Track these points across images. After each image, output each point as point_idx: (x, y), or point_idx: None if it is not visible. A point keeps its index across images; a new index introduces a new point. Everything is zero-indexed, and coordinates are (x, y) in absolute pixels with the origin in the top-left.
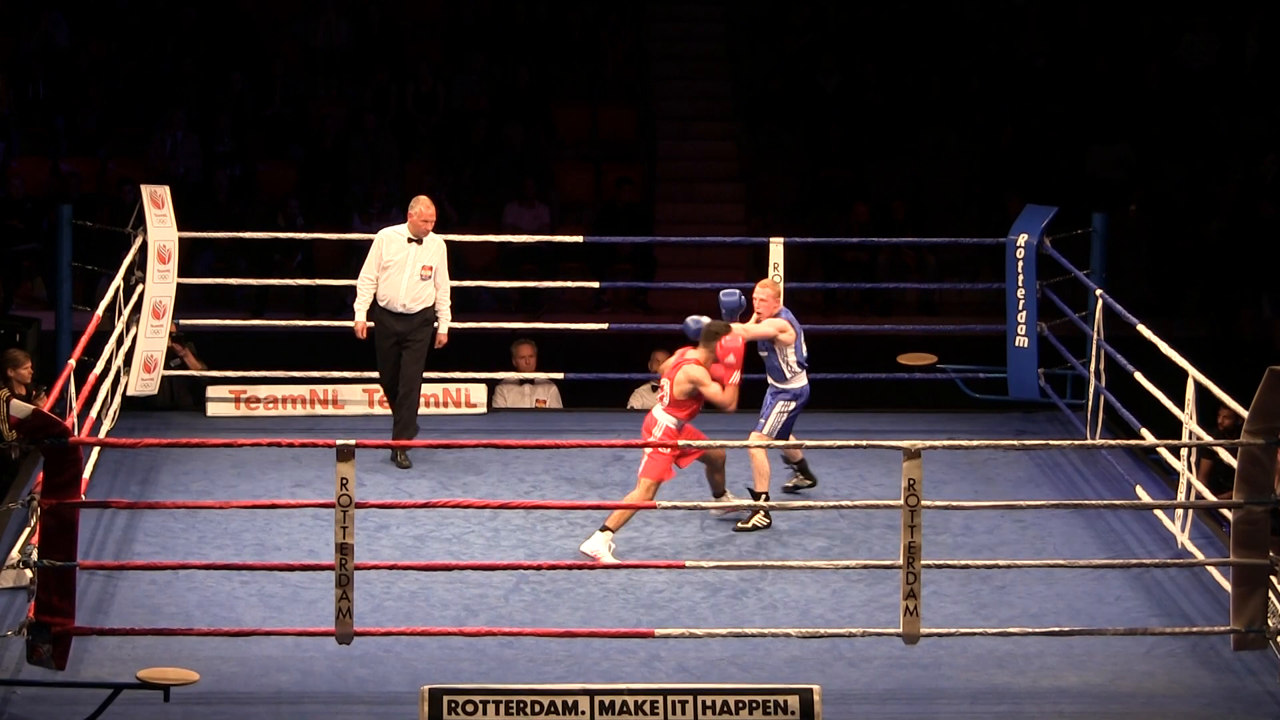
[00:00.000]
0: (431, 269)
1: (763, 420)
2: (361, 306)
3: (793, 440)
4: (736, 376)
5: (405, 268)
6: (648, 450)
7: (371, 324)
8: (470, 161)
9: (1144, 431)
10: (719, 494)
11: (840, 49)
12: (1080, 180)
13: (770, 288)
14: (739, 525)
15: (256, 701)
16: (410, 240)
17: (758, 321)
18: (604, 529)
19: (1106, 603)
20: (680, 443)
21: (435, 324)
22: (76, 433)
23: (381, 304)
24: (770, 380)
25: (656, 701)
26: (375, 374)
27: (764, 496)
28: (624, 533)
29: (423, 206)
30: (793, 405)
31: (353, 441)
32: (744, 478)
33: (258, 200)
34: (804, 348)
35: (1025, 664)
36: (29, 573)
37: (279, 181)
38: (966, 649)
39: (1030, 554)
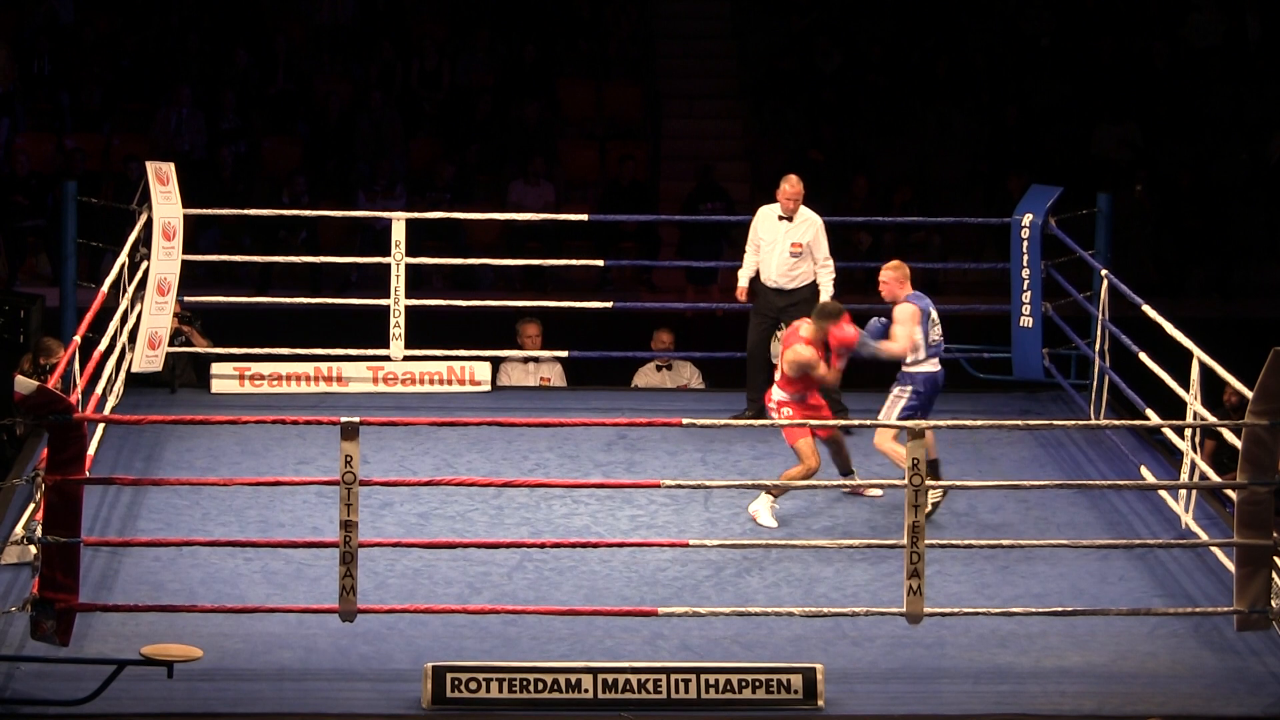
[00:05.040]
0: (802, 246)
1: (883, 413)
2: (742, 273)
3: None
4: (843, 362)
5: (776, 245)
6: (780, 424)
7: (745, 288)
8: (475, 139)
9: (1148, 412)
10: (845, 472)
11: (845, 28)
12: (1086, 160)
13: (895, 269)
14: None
15: (260, 678)
16: (781, 218)
17: (886, 295)
18: (769, 492)
19: (1110, 583)
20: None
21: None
22: (81, 409)
23: (762, 279)
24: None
25: (660, 680)
26: (379, 351)
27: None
28: (628, 510)
29: (787, 185)
30: (909, 392)
31: (357, 419)
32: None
33: (262, 177)
34: (935, 331)
35: (1028, 644)
36: (33, 549)
37: (284, 158)
38: (970, 629)
39: (1034, 534)
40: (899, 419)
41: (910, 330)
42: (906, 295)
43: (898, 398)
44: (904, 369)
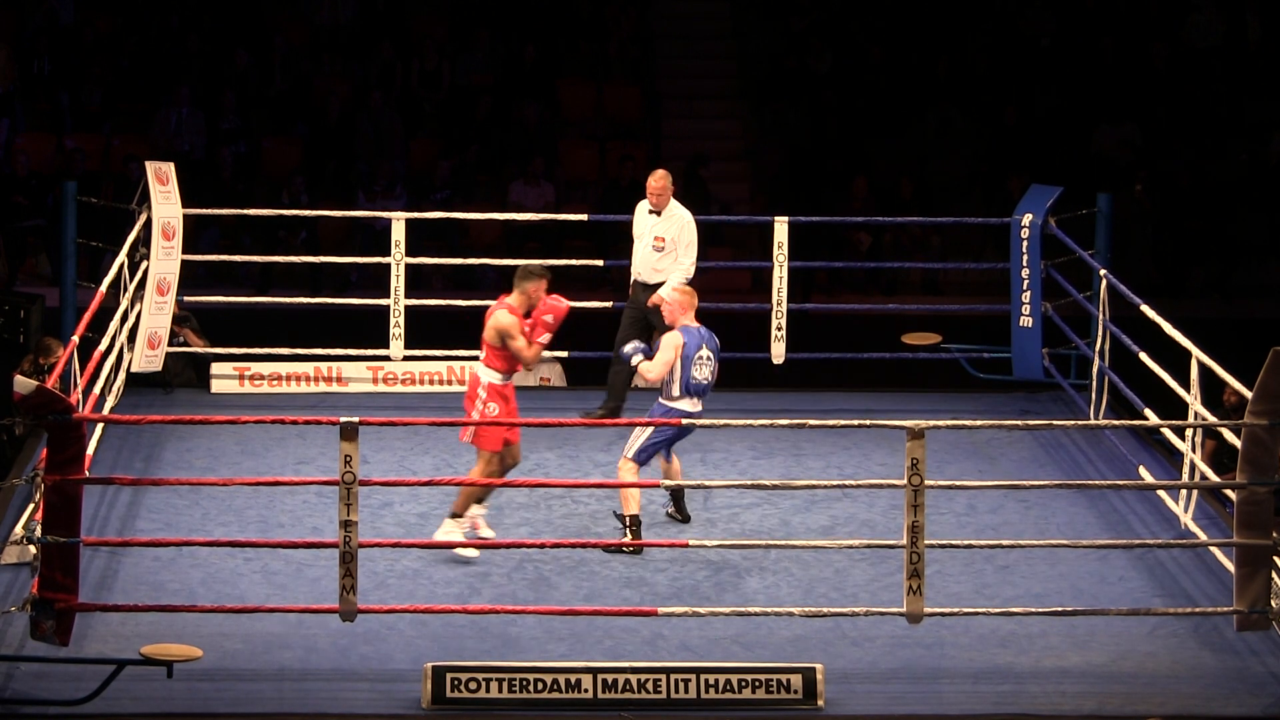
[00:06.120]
0: (665, 240)
1: (629, 441)
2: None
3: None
4: (546, 338)
5: (644, 238)
6: (475, 416)
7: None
8: (475, 139)
9: (1147, 412)
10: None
11: (840, 28)
12: (1086, 160)
13: (683, 294)
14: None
15: (260, 678)
16: (651, 211)
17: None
18: (452, 515)
19: (1109, 583)
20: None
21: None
22: (80, 409)
23: (632, 273)
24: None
25: (660, 680)
26: (379, 351)
27: (632, 521)
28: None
29: (651, 179)
30: (652, 430)
31: (356, 419)
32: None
33: (262, 177)
34: (701, 370)
35: (1028, 644)
36: (33, 549)
37: (284, 158)
38: (969, 629)
39: (1034, 534)
40: (639, 450)
41: (668, 360)
42: (681, 325)
43: (643, 430)
44: (661, 401)
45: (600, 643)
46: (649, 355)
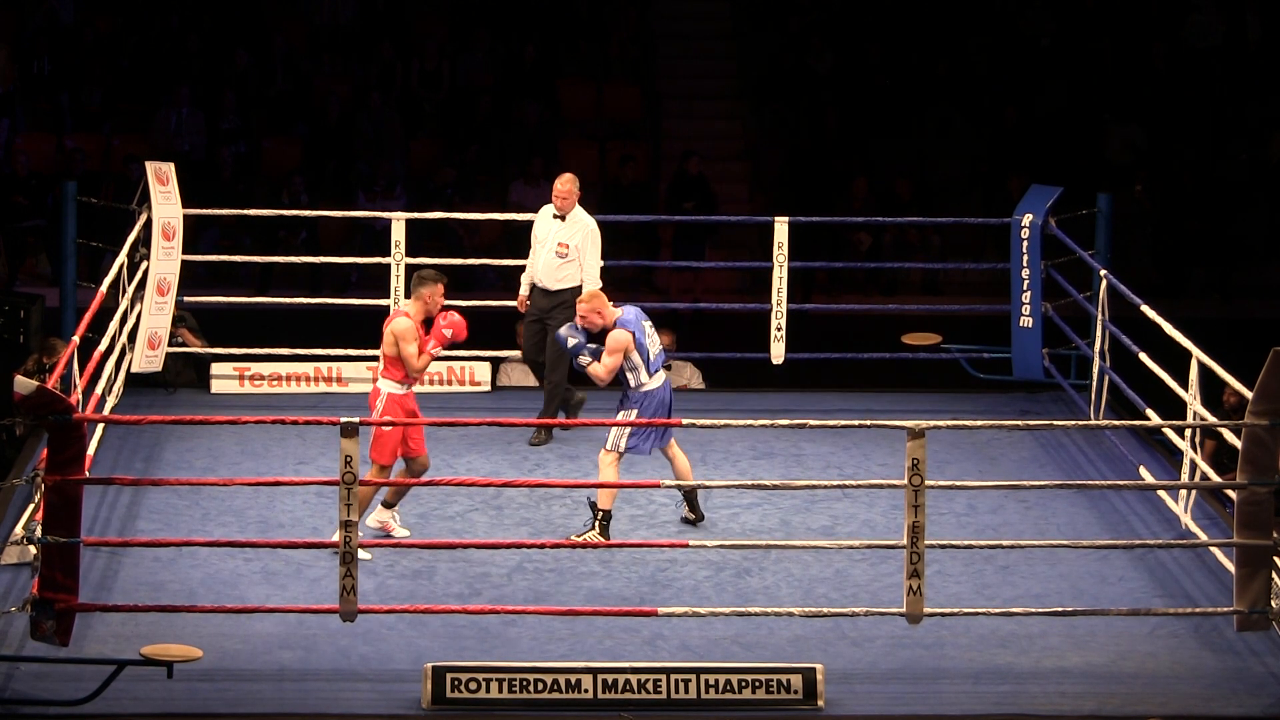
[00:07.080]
0: (569, 247)
1: (607, 434)
2: (524, 280)
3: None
4: (438, 350)
5: (546, 244)
6: (373, 428)
7: (524, 296)
8: (475, 139)
9: (1148, 412)
10: (389, 504)
11: (840, 28)
12: (1086, 161)
13: (586, 301)
14: (573, 537)
15: (260, 679)
16: (555, 216)
17: (586, 326)
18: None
19: (1110, 583)
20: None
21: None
22: (81, 409)
23: (534, 279)
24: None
25: (659, 680)
26: (378, 351)
27: (604, 515)
28: (628, 510)
29: (558, 182)
30: (634, 413)
31: (356, 419)
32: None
33: (262, 177)
34: (651, 349)
35: (1028, 644)
36: (33, 549)
37: (284, 159)
38: (970, 629)
39: (1034, 534)
40: (627, 444)
41: (616, 362)
42: (618, 319)
43: (624, 421)
44: (630, 390)
45: (600, 643)
46: (594, 354)
